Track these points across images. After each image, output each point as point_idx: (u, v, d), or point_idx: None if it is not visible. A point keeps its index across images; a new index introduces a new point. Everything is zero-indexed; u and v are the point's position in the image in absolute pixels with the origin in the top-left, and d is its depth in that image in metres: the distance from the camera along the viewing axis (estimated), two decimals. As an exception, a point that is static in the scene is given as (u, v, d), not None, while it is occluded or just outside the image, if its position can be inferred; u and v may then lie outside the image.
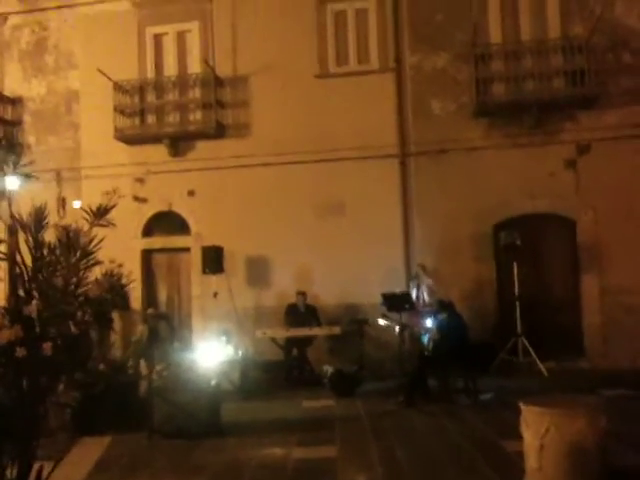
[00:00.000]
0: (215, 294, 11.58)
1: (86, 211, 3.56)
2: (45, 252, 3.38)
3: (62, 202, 12.53)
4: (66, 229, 3.34)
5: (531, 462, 5.02)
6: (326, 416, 8.10)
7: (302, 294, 11.25)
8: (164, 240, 12.83)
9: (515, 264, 10.78)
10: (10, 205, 3.78)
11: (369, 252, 11.57)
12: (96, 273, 3.56)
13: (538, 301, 11.21)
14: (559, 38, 11.53)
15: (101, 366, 8.00)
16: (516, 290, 10.76)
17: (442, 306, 9.24)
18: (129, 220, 11.88)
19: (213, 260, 11.51)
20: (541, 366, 10.15)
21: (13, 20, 13.43)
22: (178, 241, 12.74)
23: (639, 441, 6.17)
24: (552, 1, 11.67)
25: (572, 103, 11.36)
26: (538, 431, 4.92)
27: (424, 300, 10.54)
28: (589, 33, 11.11)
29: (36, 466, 3.47)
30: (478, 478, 5.43)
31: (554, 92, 11.43)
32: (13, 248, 3.51)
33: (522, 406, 5.15)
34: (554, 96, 11.40)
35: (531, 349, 10.27)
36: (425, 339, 9.70)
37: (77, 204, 11.99)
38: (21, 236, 3.47)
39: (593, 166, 11.34)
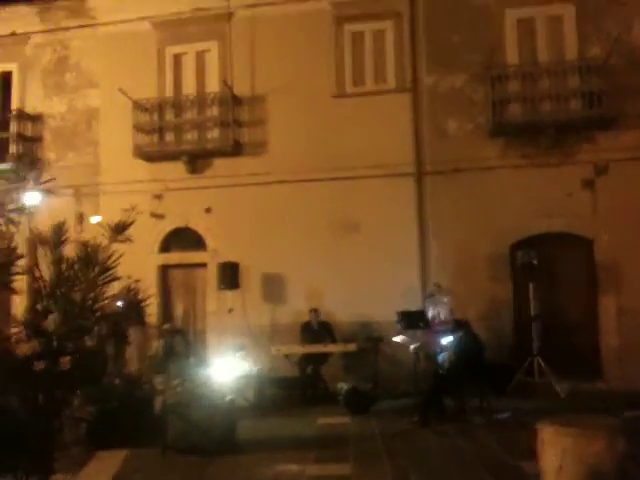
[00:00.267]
0: (230, 310, 11.64)
1: (105, 227, 3.62)
2: (64, 267, 3.43)
3: (80, 218, 12.68)
4: (85, 245, 3.39)
5: (547, 484, 4.97)
6: (341, 434, 8.07)
7: (315, 311, 11.24)
8: (181, 256, 12.93)
9: (532, 284, 10.72)
10: (30, 220, 3.84)
11: (385, 270, 11.56)
12: (114, 288, 3.60)
13: (555, 321, 11.11)
14: (576, 59, 11.55)
15: (117, 381, 8.02)
16: (532, 310, 10.70)
17: (458, 325, 9.20)
18: (146, 236, 11.99)
19: (229, 276, 11.58)
20: (557, 387, 10.04)
21: (35, 39, 13.69)
22: (194, 257, 12.83)
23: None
24: (569, 23, 11.71)
25: (589, 124, 11.33)
26: (556, 452, 4.88)
27: (440, 319, 10.52)
28: (606, 55, 11.13)
29: (52, 480, 3.49)
30: (493, 500, 5.38)
31: (571, 113, 11.42)
32: (32, 263, 3.57)
33: (540, 427, 5.11)
34: (571, 117, 11.39)
35: (548, 370, 10.18)
36: (440, 358, 9.66)
37: (95, 220, 12.14)
38: (40, 251, 3.52)
39: (611, 186, 11.29)
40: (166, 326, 11.56)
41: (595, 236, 11.37)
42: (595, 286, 11.32)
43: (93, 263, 3.35)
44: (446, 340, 9.36)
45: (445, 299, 10.63)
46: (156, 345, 11.40)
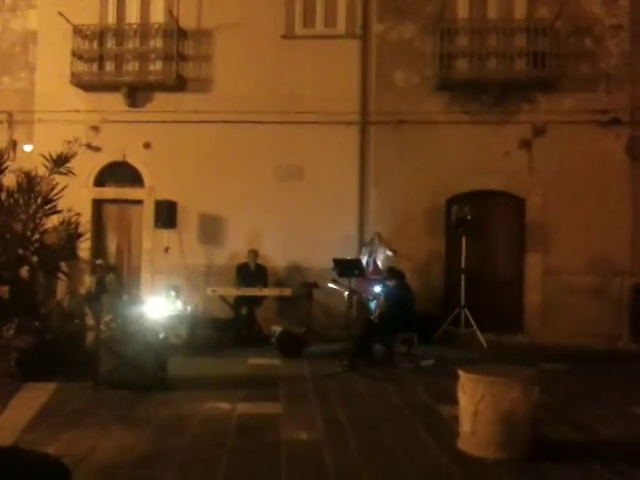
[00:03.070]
0: (166, 249, 11.57)
1: (46, 158, 3.53)
2: (3, 196, 3.35)
3: (13, 145, 12.18)
4: (27, 175, 3.32)
5: (465, 426, 5.28)
6: (272, 374, 8.27)
7: (253, 252, 11.29)
8: (116, 191, 12.61)
9: (464, 239, 11.04)
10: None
11: (324, 217, 11.68)
12: (52, 220, 3.55)
13: (484, 276, 11.54)
14: (524, 19, 11.68)
15: (50, 313, 7.91)
16: (463, 264, 11.05)
17: (392, 274, 9.41)
18: (81, 168, 11.54)
19: (166, 215, 11.43)
20: (481, 337, 10.51)
21: (-32, -49, 12.82)
22: (131, 193, 12.55)
23: (568, 413, 6.51)
24: (521, -19, 11.79)
25: (532, 84, 11.58)
26: (474, 397, 5.17)
27: (375, 267, 10.77)
28: (554, 17, 11.29)
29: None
30: (414, 439, 5.66)
31: (515, 72, 11.60)
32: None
33: (460, 373, 5.39)
34: (515, 76, 11.58)
35: (472, 320, 10.60)
36: (372, 305, 9.94)
37: (27, 148, 11.72)
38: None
39: (547, 148, 11.65)
40: (99, 261, 11.41)
41: (527, 196, 11.74)
42: (524, 244, 11.76)
43: (35, 194, 3.28)
44: (379, 288, 9.62)
45: (382, 248, 10.87)
46: (88, 280, 11.27)
